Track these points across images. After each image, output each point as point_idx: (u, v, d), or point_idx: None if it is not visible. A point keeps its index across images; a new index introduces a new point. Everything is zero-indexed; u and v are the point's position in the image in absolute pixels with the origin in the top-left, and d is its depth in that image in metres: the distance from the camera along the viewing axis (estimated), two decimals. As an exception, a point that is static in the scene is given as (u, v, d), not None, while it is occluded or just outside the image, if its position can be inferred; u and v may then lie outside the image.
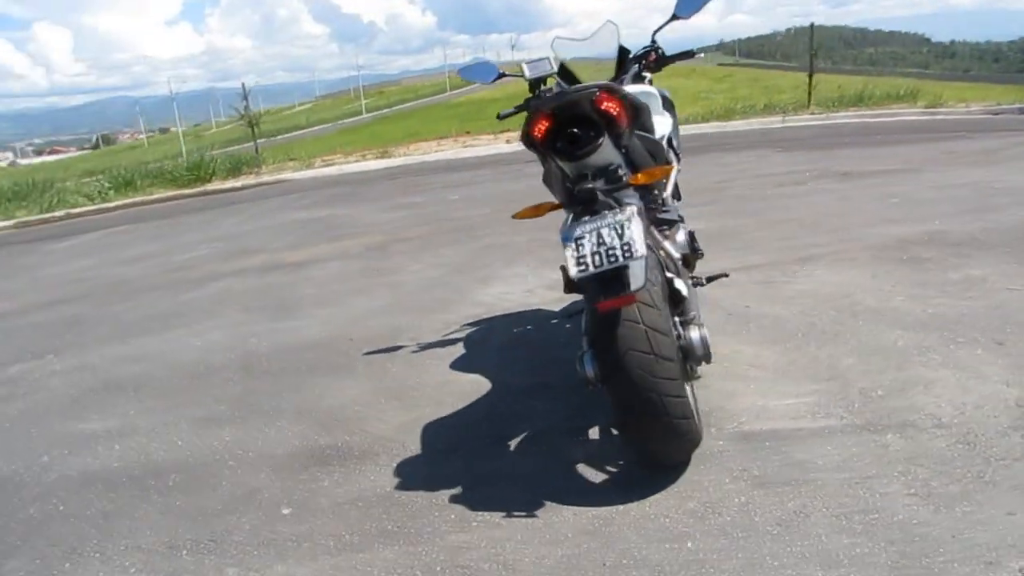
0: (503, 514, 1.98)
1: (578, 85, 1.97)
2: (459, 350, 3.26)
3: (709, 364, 2.20)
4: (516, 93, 2.46)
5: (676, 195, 3.18)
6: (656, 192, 2.35)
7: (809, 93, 12.23)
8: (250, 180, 12.65)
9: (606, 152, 1.88)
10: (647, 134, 2.25)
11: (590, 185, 1.88)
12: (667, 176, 1.97)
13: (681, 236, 2.66)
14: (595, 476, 2.13)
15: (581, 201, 1.88)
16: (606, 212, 1.85)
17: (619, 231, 1.80)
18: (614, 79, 3.08)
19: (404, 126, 26.12)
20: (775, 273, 3.81)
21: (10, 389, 3.48)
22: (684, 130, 12.57)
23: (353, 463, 2.37)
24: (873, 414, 2.25)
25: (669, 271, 2.40)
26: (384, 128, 28.07)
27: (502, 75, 2.94)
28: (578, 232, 1.83)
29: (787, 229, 4.73)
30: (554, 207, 1.97)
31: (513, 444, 2.37)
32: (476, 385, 2.85)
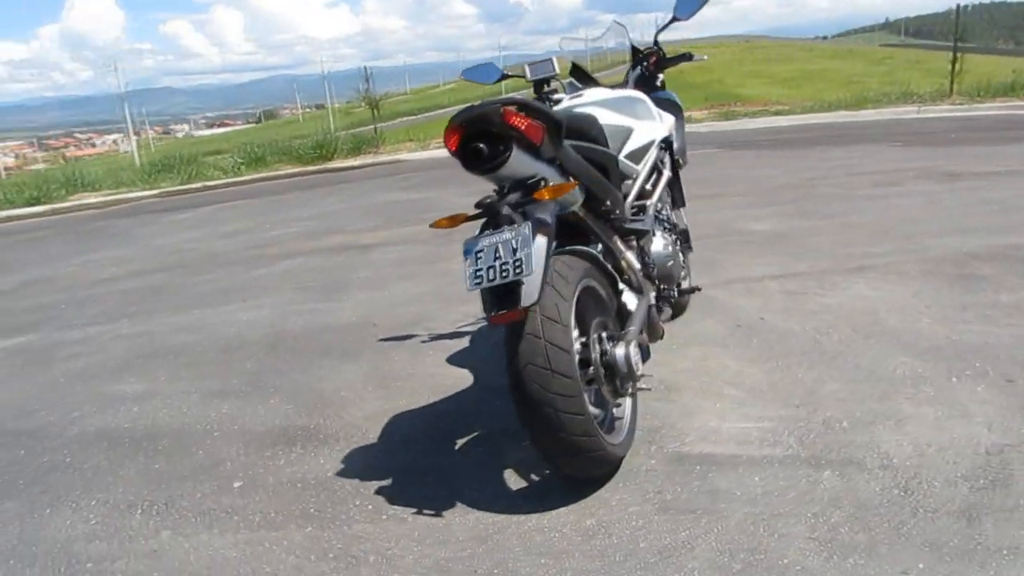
0: (414, 510, 2.06)
1: (488, 99, 1.97)
2: (462, 344, 3.34)
3: (645, 383, 2.16)
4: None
5: (680, 202, 3.09)
6: (610, 204, 2.31)
7: (952, 81, 11.18)
8: (367, 159, 13.27)
9: (517, 165, 1.88)
10: (595, 145, 2.21)
11: (493, 199, 1.90)
12: (568, 192, 1.94)
13: (657, 246, 2.60)
14: (518, 483, 2.16)
15: (485, 214, 1.90)
16: (505, 227, 1.86)
17: (514, 246, 1.81)
18: (622, 82, 3.03)
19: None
20: (811, 284, 3.61)
21: (79, 349, 3.93)
22: (805, 119, 11.97)
23: (313, 445, 2.52)
24: (824, 447, 2.13)
25: (630, 285, 2.37)
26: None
27: (504, 76, 2.97)
28: (478, 245, 1.85)
29: (852, 235, 4.43)
30: (469, 218, 1.99)
31: (460, 443, 2.44)
32: (459, 380, 2.92)
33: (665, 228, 2.79)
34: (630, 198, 2.61)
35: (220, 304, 4.49)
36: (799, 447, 2.15)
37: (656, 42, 2.97)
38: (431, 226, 2.04)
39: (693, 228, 3.25)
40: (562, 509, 1.98)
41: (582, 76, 3.09)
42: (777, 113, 13.20)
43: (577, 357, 1.91)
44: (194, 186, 12.01)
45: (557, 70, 2.96)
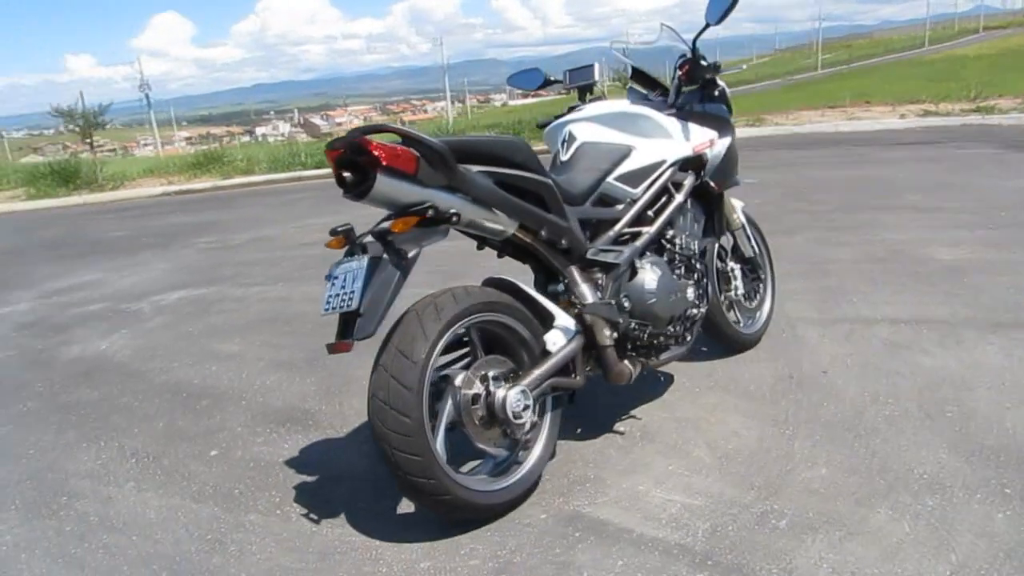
0: (305, 511, 2.13)
1: (355, 128, 1.91)
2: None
3: (517, 433, 1.99)
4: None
5: (718, 231, 2.72)
6: (546, 233, 2.13)
7: None
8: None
9: (389, 192, 1.81)
10: (522, 172, 2.04)
11: (348, 226, 1.85)
12: (410, 226, 1.81)
13: (642, 280, 2.34)
14: (401, 506, 2.12)
15: (345, 241, 1.87)
16: (355, 256, 1.83)
17: (353, 278, 1.78)
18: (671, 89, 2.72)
19: (857, 84, 23.98)
20: (930, 336, 2.95)
21: (230, 306, 4.58)
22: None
23: (300, 430, 2.70)
24: (729, 546, 1.78)
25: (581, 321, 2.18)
26: (834, 86, 26.05)
27: (548, 82, 2.84)
28: (336, 271, 1.85)
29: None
30: (328, 244, 1.96)
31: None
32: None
33: (675, 261, 2.48)
34: (619, 225, 2.37)
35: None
36: (703, 539, 1.82)
37: (694, 48, 2.59)
38: (327, 246, 2.06)
39: (864, 244, 2.82)
40: (415, 545, 1.92)
41: (646, 81, 2.83)
42: None
43: (426, 396, 1.83)
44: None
45: (597, 77, 2.76)
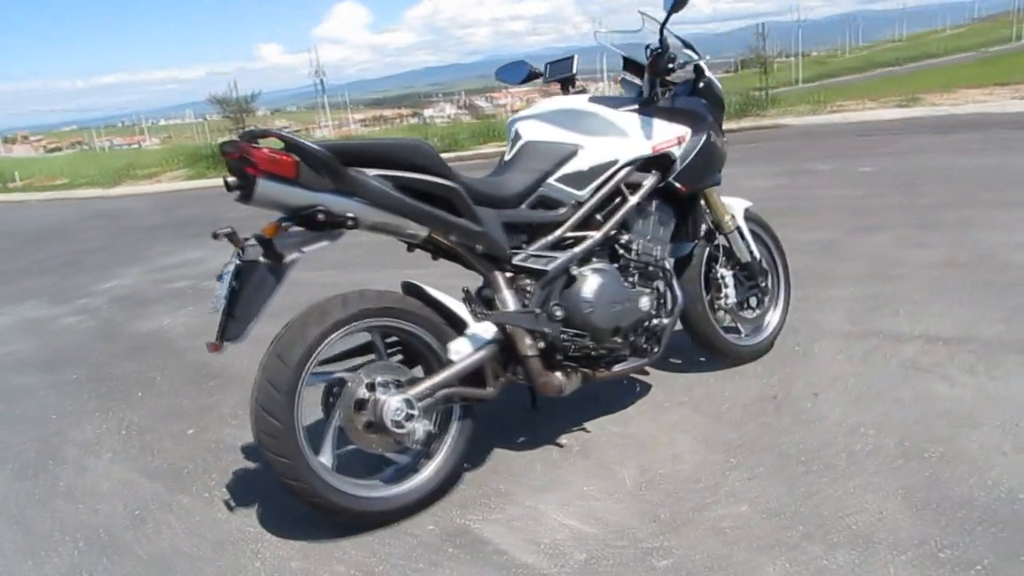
0: (227, 497, 2.20)
1: (246, 131, 1.89)
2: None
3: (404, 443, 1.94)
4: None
5: (691, 234, 2.50)
6: (455, 238, 2.05)
7: None
8: (746, 123, 12.55)
9: (273, 195, 1.79)
10: (424, 176, 1.96)
11: (229, 230, 1.85)
12: (277, 230, 1.79)
13: (579, 289, 2.20)
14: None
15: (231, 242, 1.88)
16: (234, 260, 1.84)
17: (227, 279, 1.81)
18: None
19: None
20: (966, 359, 2.57)
21: (304, 291, 4.79)
22: None
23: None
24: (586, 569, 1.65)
25: (492, 328, 2.09)
26: (1024, 59, 23.17)
27: (532, 75, 2.71)
28: (223, 271, 1.87)
29: None
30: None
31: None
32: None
33: (629, 268, 2.31)
34: (561, 229, 2.23)
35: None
36: (572, 571, 1.70)
37: (661, 39, 2.35)
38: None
39: (949, 246, 2.54)
40: (297, 543, 1.93)
41: (638, 70, 2.62)
42: None
43: (297, 401, 1.83)
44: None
45: (575, 69, 2.61)
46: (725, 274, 2.65)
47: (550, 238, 2.22)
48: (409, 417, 1.91)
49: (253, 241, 1.87)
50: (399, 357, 2.15)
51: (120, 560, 1.95)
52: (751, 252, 2.69)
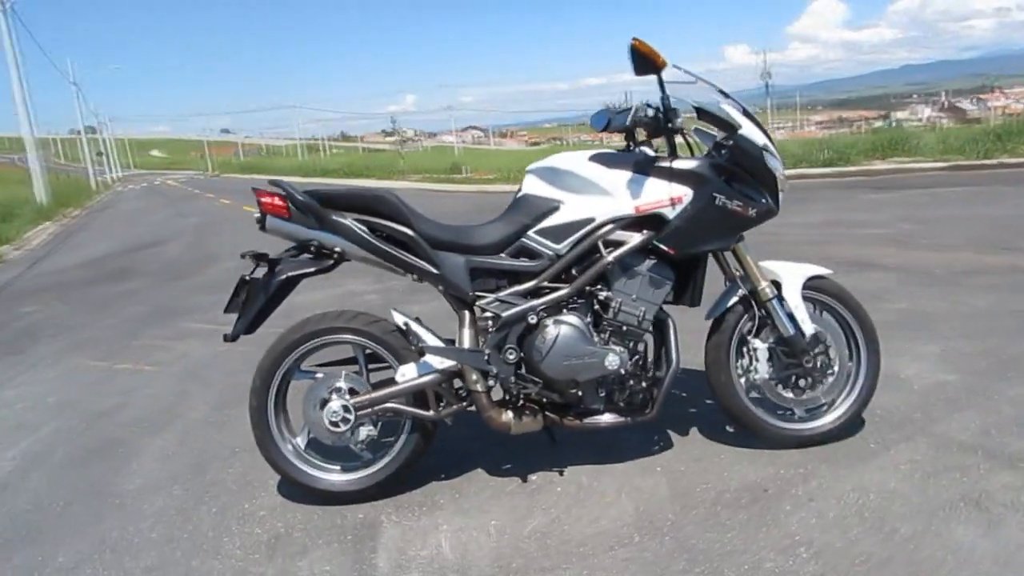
0: (208, 482, 2.62)
1: (271, 179, 2.36)
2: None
3: None
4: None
5: (692, 300, 2.39)
6: (418, 279, 2.32)
7: None
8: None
9: (278, 230, 2.23)
10: (387, 223, 2.28)
11: (252, 252, 2.28)
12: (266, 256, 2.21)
13: (547, 338, 2.29)
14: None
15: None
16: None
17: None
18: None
19: None
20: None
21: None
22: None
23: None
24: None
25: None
26: None
27: (610, 123, 2.70)
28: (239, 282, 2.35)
29: None
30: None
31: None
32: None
33: (601, 324, 2.33)
34: (538, 279, 2.32)
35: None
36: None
37: (663, 98, 2.21)
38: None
39: None
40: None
41: (715, 121, 2.46)
42: None
43: (271, 390, 2.31)
44: (989, 162, 11.25)
45: (629, 121, 2.53)
46: (759, 346, 2.41)
47: (526, 286, 2.32)
48: (345, 420, 2.28)
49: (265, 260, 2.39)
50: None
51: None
52: (798, 326, 2.38)
